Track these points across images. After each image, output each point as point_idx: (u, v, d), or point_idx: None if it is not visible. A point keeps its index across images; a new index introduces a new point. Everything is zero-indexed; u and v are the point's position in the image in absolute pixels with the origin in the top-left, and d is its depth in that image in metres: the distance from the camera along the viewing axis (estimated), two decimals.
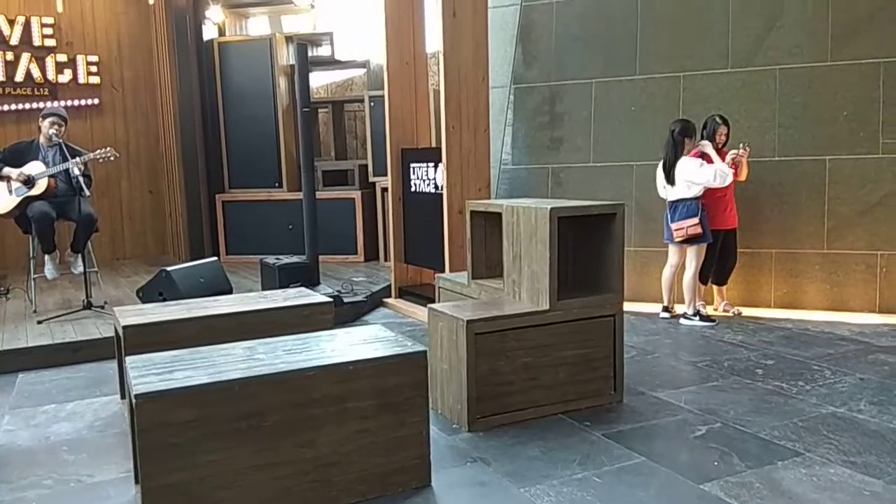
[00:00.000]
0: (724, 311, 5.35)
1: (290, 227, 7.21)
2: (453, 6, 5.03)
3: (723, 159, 5.03)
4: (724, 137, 5.13)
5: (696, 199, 4.93)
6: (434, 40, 5.63)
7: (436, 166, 5.43)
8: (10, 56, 7.12)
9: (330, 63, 8.02)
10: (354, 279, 6.33)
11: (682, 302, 5.17)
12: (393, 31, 5.76)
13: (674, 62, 5.65)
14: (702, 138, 5.12)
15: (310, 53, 7.50)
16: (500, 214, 3.60)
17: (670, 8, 5.65)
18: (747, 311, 5.33)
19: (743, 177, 5.18)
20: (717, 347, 4.45)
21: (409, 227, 5.90)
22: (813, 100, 5.30)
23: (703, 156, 5.03)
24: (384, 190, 6.83)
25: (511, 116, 6.25)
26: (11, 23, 7.12)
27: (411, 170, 5.80)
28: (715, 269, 5.32)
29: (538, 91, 6.16)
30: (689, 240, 4.98)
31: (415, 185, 5.78)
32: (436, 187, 5.48)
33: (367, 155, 7.42)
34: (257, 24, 8.69)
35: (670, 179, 5.01)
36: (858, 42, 5.17)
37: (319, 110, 8.42)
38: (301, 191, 5.72)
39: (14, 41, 7.13)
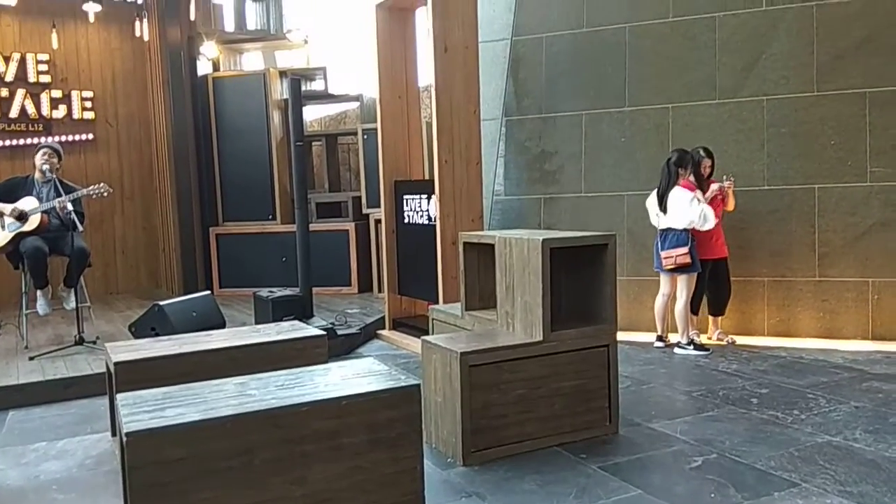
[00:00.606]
0: (718, 339, 5.35)
1: (284, 259, 7.20)
2: (444, 42, 5.10)
3: (708, 188, 5.09)
4: (708, 169, 5.20)
5: (685, 228, 4.97)
6: (426, 74, 5.71)
7: (429, 198, 5.46)
8: (4, 92, 7.16)
9: (323, 97, 8.10)
10: (348, 311, 6.32)
11: (676, 331, 5.17)
12: (385, 65, 5.83)
13: (662, 94, 5.73)
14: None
15: (304, 88, 7.58)
16: (493, 246, 3.61)
17: (657, 41, 5.75)
18: (741, 340, 5.33)
19: (730, 207, 5.23)
20: (712, 377, 4.44)
21: (403, 259, 5.91)
22: (800, 129, 5.38)
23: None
24: (378, 221, 6.85)
25: (503, 148, 6.31)
26: (7, 59, 7.18)
27: (404, 201, 5.83)
28: (710, 300, 5.34)
29: (529, 123, 6.23)
30: (679, 269, 5.00)
31: (408, 216, 5.81)
32: (429, 219, 5.51)
33: (361, 187, 7.46)
34: (251, 60, 8.78)
35: (662, 207, 5.05)
36: (843, 73, 5.26)
37: (313, 143, 8.47)
38: (295, 223, 5.74)
39: (9, 77, 7.18)
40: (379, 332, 5.90)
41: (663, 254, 5.03)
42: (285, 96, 7.42)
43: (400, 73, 5.91)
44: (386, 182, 5.89)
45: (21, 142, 7.16)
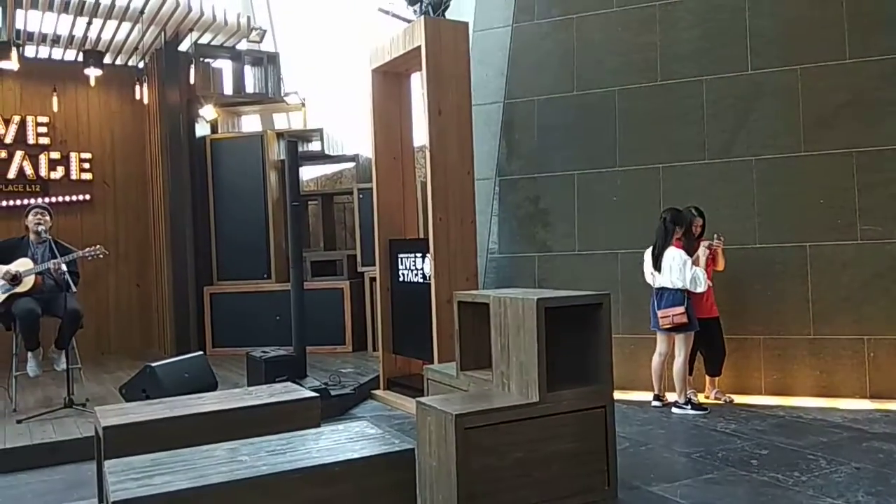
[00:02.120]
0: (716, 398, 5.30)
1: (278, 317, 7.17)
2: (438, 105, 5.21)
3: (698, 247, 5.13)
4: (699, 228, 5.25)
5: (680, 288, 4.98)
6: (421, 135, 5.81)
7: (423, 257, 5.48)
8: (3, 154, 7.25)
9: (320, 157, 8.21)
10: (342, 370, 6.26)
11: (674, 390, 5.12)
12: (381, 126, 5.94)
13: (652, 154, 5.83)
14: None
15: (300, 148, 7.70)
16: (487, 305, 3.61)
17: (646, 103, 5.89)
18: (739, 399, 5.28)
19: (720, 266, 5.26)
20: (711, 437, 4.38)
21: (398, 317, 5.89)
22: (790, 188, 5.46)
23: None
24: (373, 279, 6.85)
25: (497, 207, 6.38)
26: (7, 122, 7.29)
27: (399, 260, 5.85)
28: (705, 361, 5.32)
29: (523, 182, 6.31)
30: (676, 328, 4.99)
31: (403, 275, 5.82)
32: (424, 277, 5.51)
33: (356, 245, 7.49)
34: (250, 122, 8.94)
35: (658, 266, 5.07)
36: (829, 133, 5.38)
37: (309, 202, 8.55)
38: (289, 281, 5.73)
39: (9, 139, 7.28)
40: (373, 391, 5.83)
41: (660, 313, 5.02)
42: (282, 157, 7.53)
43: (395, 134, 6.02)
44: (381, 240, 5.93)
45: (17, 202, 7.20)
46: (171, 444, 2.69)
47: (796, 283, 5.38)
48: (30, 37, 7.04)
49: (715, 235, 5.19)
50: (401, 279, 5.84)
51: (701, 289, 4.96)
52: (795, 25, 5.50)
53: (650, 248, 5.19)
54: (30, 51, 7.31)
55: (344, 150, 8.48)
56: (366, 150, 7.75)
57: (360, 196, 7.35)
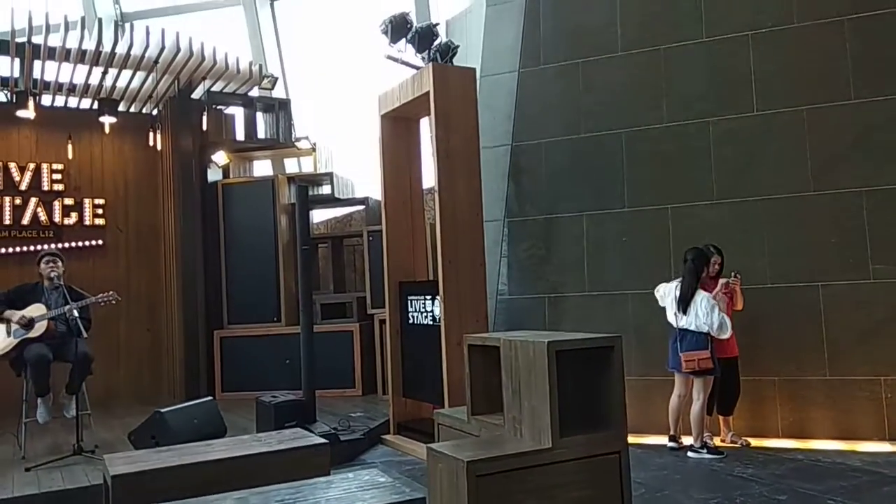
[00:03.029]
0: (732, 442, 5.21)
1: (288, 361, 7.15)
2: (447, 149, 5.27)
3: (715, 286, 5.10)
4: (717, 267, 5.23)
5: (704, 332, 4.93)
6: (430, 177, 5.86)
7: (433, 299, 5.47)
8: (18, 201, 7.34)
9: (330, 201, 8.28)
10: (352, 415, 6.20)
11: (689, 432, 5.04)
12: (390, 170, 6.01)
13: (660, 195, 5.85)
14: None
15: (311, 192, 7.77)
16: (498, 348, 3.58)
17: (653, 144, 5.93)
18: (755, 442, 5.20)
19: (739, 306, 5.22)
20: (728, 482, 4.29)
21: (408, 360, 5.86)
22: (800, 228, 5.45)
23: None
24: (382, 322, 6.84)
25: (506, 249, 6.39)
26: (23, 169, 7.40)
27: (409, 302, 5.84)
28: (719, 400, 5.25)
29: (531, 224, 6.33)
30: (699, 371, 4.92)
31: (412, 317, 5.80)
32: (433, 319, 5.50)
33: (366, 287, 7.50)
34: (261, 167, 9.05)
35: (683, 307, 5.01)
36: (838, 172, 5.39)
37: (319, 245, 8.59)
38: (299, 325, 5.73)
39: (24, 186, 7.38)
40: (383, 436, 5.76)
41: (684, 355, 4.94)
42: (293, 201, 7.60)
43: (404, 178, 6.08)
44: (391, 283, 5.93)
45: (31, 248, 7.27)
46: (180, 492, 2.66)
47: (810, 323, 5.33)
48: (46, 86, 7.20)
49: (732, 273, 5.16)
50: (410, 321, 5.83)
51: (725, 335, 4.91)
52: (800, 67, 5.56)
53: (672, 287, 5.13)
54: (46, 99, 7.47)
55: (354, 194, 8.56)
56: (375, 192, 7.82)
57: (370, 238, 7.39)
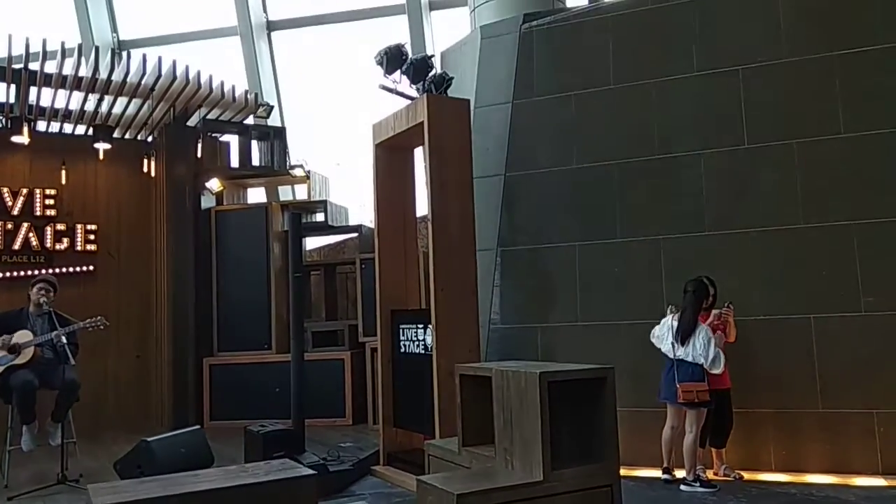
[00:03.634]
0: (725, 475, 5.16)
1: (277, 389, 7.08)
2: (441, 179, 5.29)
3: (707, 317, 5.10)
4: (711, 299, 5.23)
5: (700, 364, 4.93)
6: (423, 205, 5.88)
7: (425, 328, 5.45)
8: (10, 226, 7.31)
9: (323, 228, 8.28)
10: (342, 444, 6.13)
11: (683, 465, 5.00)
12: (384, 198, 6.02)
13: (652, 226, 5.87)
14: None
15: (304, 220, 7.78)
16: (490, 378, 3.56)
17: (645, 176, 5.97)
18: (748, 475, 5.16)
19: (732, 338, 5.21)
20: None
21: (399, 389, 5.81)
22: (791, 260, 5.47)
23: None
24: (374, 350, 6.80)
25: (498, 278, 6.39)
26: (15, 194, 7.37)
27: (401, 331, 5.82)
28: (712, 432, 5.21)
29: (524, 253, 6.34)
30: (693, 403, 4.90)
31: (404, 346, 5.77)
32: (425, 349, 5.47)
33: (358, 315, 7.47)
34: (255, 194, 9.07)
35: (682, 338, 4.99)
36: (828, 206, 5.43)
37: (311, 272, 8.57)
38: (290, 352, 5.69)
39: (16, 212, 7.34)
40: (373, 467, 5.69)
41: (681, 386, 4.91)
42: (286, 228, 7.59)
43: (398, 206, 6.09)
44: (383, 311, 5.91)
45: (21, 273, 7.21)
46: None
47: (802, 356, 5.32)
48: (42, 112, 7.22)
49: (726, 304, 5.16)
50: (402, 350, 5.79)
51: (717, 370, 4.91)
52: (790, 100, 5.64)
53: (668, 317, 5.13)
54: (41, 125, 7.48)
55: (348, 221, 8.56)
56: (369, 220, 7.83)
57: (363, 266, 7.37)
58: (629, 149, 6.04)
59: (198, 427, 5.47)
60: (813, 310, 5.35)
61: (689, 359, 4.93)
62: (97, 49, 7.35)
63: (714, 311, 5.15)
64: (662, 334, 5.16)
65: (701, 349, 4.89)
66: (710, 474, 5.09)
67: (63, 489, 4.68)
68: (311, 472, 3.55)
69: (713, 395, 5.03)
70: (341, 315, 8.44)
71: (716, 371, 4.90)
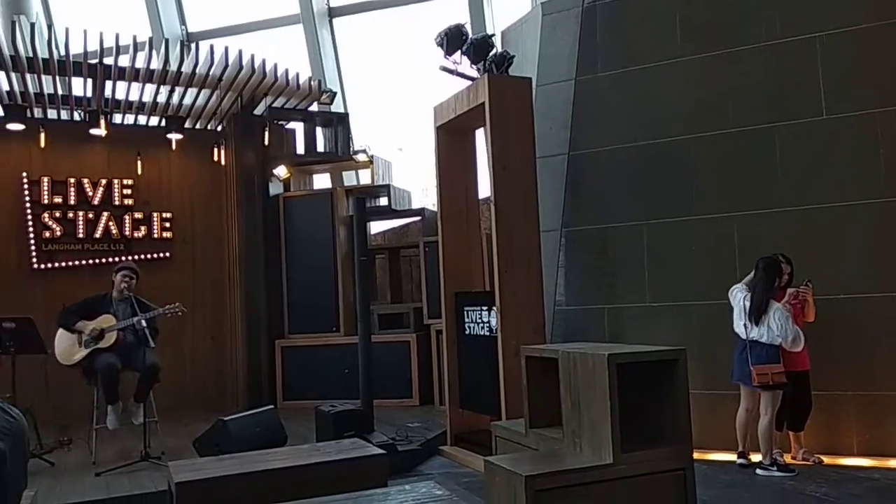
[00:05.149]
0: (804, 459, 4.99)
1: (347, 371, 7.22)
2: (503, 160, 5.24)
3: (783, 297, 4.91)
4: (787, 277, 5.03)
5: (776, 344, 4.76)
6: (486, 187, 5.85)
7: (489, 310, 5.44)
8: (91, 215, 7.66)
9: (387, 212, 8.36)
10: (410, 425, 6.21)
11: (758, 448, 4.85)
12: (446, 181, 6.02)
13: (724, 203, 5.67)
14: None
15: (368, 204, 7.87)
16: (556, 359, 3.52)
17: (717, 151, 5.76)
18: (828, 459, 4.96)
19: (811, 317, 5.00)
20: (800, 502, 4.10)
21: (465, 371, 5.84)
22: (872, 236, 5.20)
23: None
24: (439, 332, 6.84)
25: (563, 259, 6.30)
26: (95, 185, 7.72)
27: (465, 313, 5.82)
28: (790, 414, 5.04)
29: (589, 234, 6.23)
30: (769, 385, 4.73)
31: (469, 328, 5.78)
32: (490, 331, 5.46)
33: (422, 298, 7.52)
34: (320, 180, 9.23)
35: (755, 318, 4.84)
36: None
37: (376, 256, 8.68)
38: (357, 335, 5.79)
39: (96, 201, 7.69)
40: (441, 447, 5.75)
41: (755, 368, 4.75)
42: (351, 213, 7.70)
43: (460, 188, 6.08)
44: (447, 293, 5.93)
45: (103, 260, 7.57)
46: (240, 500, 2.71)
47: (885, 335, 5.07)
48: (117, 105, 7.51)
49: (805, 281, 4.95)
50: (467, 332, 5.81)
51: (799, 348, 4.74)
52: (871, 68, 5.32)
53: (741, 296, 4.96)
54: (116, 118, 7.78)
55: (411, 205, 8.62)
56: (432, 203, 7.85)
57: (426, 249, 7.42)
58: (699, 123, 5.83)
59: (271, 407, 5.63)
60: None
61: (765, 339, 4.75)
62: (167, 42, 7.57)
63: (790, 290, 4.95)
64: (735, 306, 4.99)
65: (778, 329, 4.71)
66: (787, 458, 4.92)
67: (146, 466, 4.91)
68: (381, 451, 3.62)
69: (790, 376, 4.85)
70: (406, 298, 8.53)
71: (797, 349, 4.72)
